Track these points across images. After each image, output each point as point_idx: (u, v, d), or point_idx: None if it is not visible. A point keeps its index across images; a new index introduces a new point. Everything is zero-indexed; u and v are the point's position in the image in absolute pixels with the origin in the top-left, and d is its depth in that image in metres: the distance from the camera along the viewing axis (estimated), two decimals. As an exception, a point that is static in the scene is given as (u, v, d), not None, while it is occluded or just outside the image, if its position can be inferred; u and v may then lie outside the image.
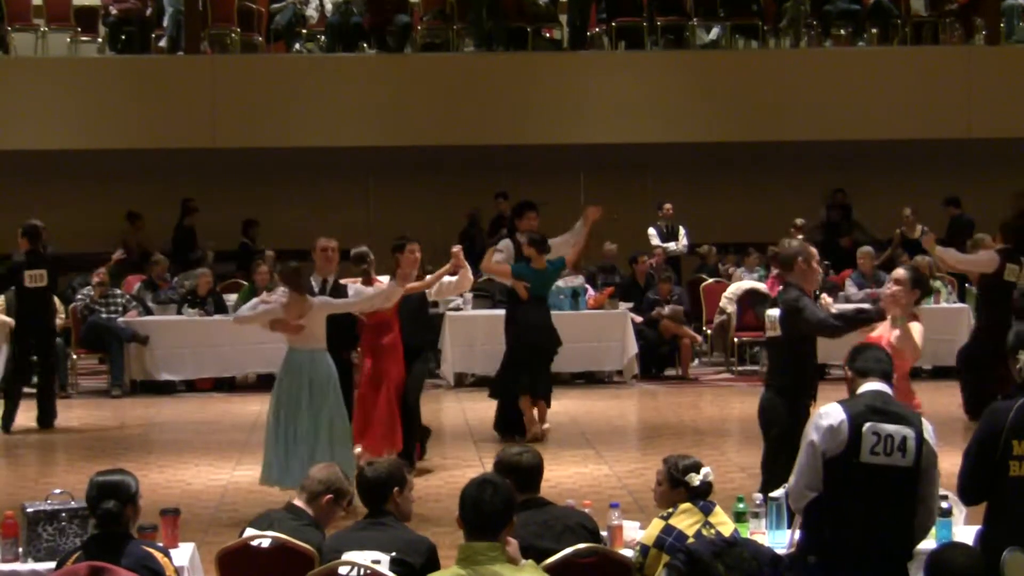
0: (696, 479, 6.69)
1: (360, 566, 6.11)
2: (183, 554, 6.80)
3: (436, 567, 6.14)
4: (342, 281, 11.62)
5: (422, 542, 6.33)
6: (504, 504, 5.46)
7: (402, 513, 6.49)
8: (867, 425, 5.96)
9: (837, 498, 5.94)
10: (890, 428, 5.98)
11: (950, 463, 6.51)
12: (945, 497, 6.85)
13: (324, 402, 10.47)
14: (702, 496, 6.68)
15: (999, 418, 6.09)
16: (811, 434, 6.02)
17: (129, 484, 6.12)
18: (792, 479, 6.09)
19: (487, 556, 5.39)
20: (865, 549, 5.91)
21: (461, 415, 15.18)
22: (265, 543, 6.53)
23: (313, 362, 10.60)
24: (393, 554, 6.19)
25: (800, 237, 18.74)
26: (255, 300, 11.06)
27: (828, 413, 6.02)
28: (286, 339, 10.77)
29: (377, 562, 6.15)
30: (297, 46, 21.24)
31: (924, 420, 6.07)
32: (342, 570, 6.13)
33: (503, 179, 21.37)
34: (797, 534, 6.74)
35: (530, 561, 5.60)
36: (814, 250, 9.06)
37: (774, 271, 16.99)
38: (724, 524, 6.62)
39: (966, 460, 6.19)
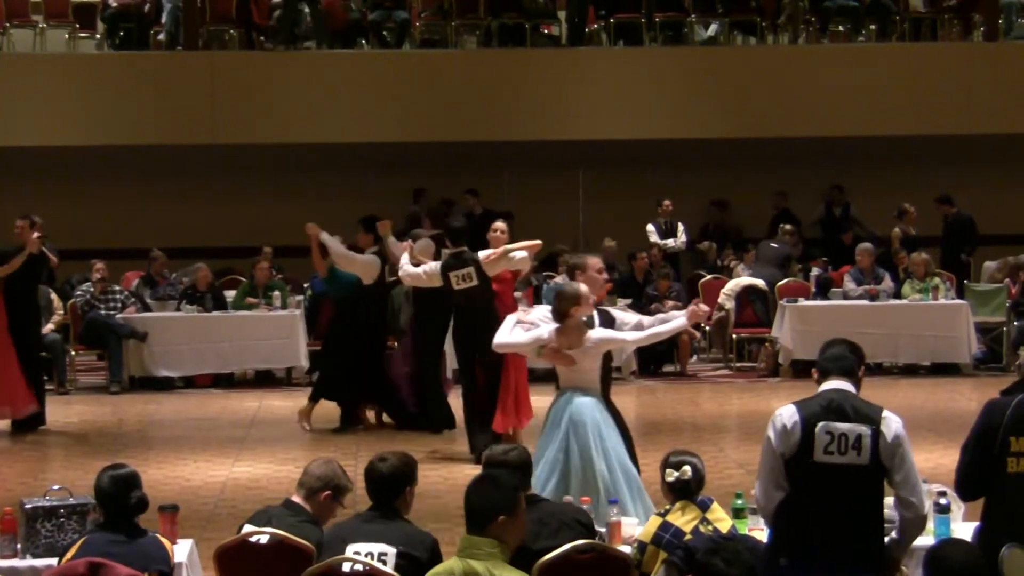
0: (672, 475, 6.69)
1: (362, 561, 6.12)
2: (182, 550, 6.80)
3: (439, 562, 6.16)
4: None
5: (427, 537, 6.35)
6: (504, 499, 5.48)
7: (407, 508, 6.51)
8: (820, 425, 5.90)
9: (801, 498, 5.92)
10: (844, 427, 5.90)
11: (951, 459, 6.51)
12: (944, 493, 6.85)
13: (598, 446, 8.35)
14: (684, 494, 6.67)
15: (997, 414, 6.07)
16: (768, 434, 5.99)
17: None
18: (759, 480, 6.07)
19: (485, 552, 5.41)
20: (833, 548, 5.89)
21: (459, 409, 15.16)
22: (263, 539, 6.53)
23: (574, 403, 8.42)
24: (400, 548, 6.20)
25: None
26: (511, 320, 8.90)
27: (782, 414, 5.98)
28: (559, 374, 8.69)
29: (384, 555, 6.17)
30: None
31: (888, 414, 5.96)
32: (345, 566, 6.14)
33: (502, 175, 21.39)
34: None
35: None
36: None
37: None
38: (722, 520, 6.63)
39: (963, 456, 6.18)
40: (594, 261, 9.15)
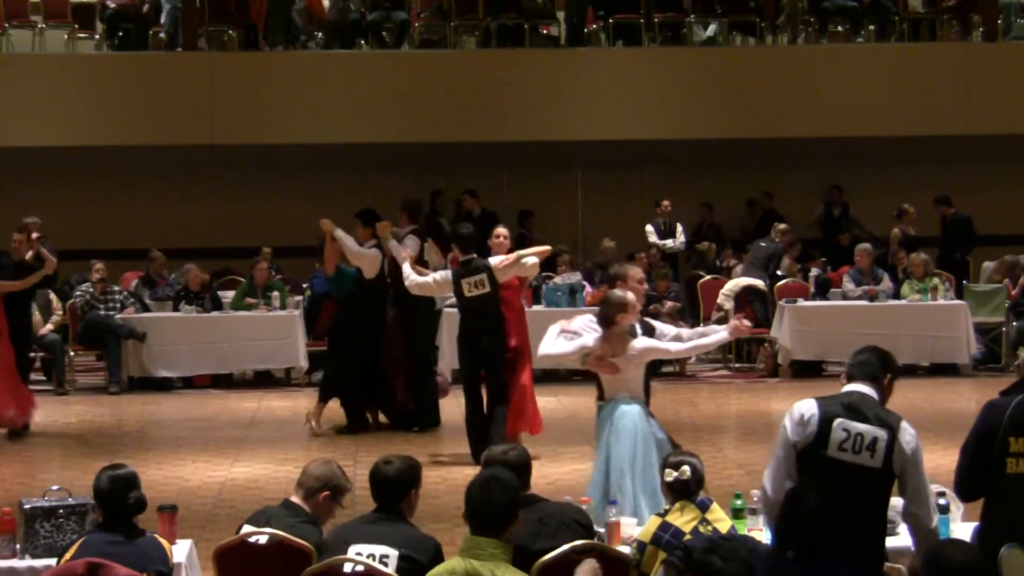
0: (671, 475, 6.69)
1: (361, 562, 6.12)
2: (181, 551, 6.79)
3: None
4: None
5: (429, 540, 6.35)
6: (509, 501, 5.49)
7: (412, 510, 6.51)
8: (837, 421, 5.96)
9: (809, 491, 5.96)
10: (861, 427, 5.96)
11: (950, 459, 6.51)
12: (943, 494, 6.85)
13: (634, 456, 8.38)
14: (683, 494, 6.66)
15: (996, 415, 6.08)
16: (784, 423, 6.05)
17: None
18: (768, 470, 6.10)
19: (488, 552, 5.41)
20: (834, 545, 5.91)
21: (459, 411, 15.14)
22: (262, 540, 6.53)
23: (618, 411, 8.47)
24: (402, 550, 6.21)
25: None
26: (555, 329, 8.90)
27: (800, 406, 6.04)
28: (604, 384, 8.69)
29: (386, 557, 6.17)
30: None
31: (906, 424, 6.02)
32: (346, 567, 6.14)
33: (501, 175, 21.39)
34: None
35: None
36: None
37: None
38: (721, 521, 6.63)
39: (963, 456, 6.18)
40: (635, 271, 9.19)
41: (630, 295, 8.60)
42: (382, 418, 14.28)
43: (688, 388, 16.98)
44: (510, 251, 12.48)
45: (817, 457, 5.94)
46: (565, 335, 8.73)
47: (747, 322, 8.91)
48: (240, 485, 11.56)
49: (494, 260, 12.17)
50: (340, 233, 13.70)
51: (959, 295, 18.00)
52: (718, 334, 8.87)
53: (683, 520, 6.56)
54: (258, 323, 16.96)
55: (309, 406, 14.11)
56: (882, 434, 5.95)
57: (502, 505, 5.47)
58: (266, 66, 20.51)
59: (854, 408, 6.00)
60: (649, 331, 8.78)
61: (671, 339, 8.84)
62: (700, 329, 9.25)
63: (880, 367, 6.20)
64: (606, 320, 8.46)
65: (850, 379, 6.19)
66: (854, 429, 5.95)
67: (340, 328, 14.18)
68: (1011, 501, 6.03)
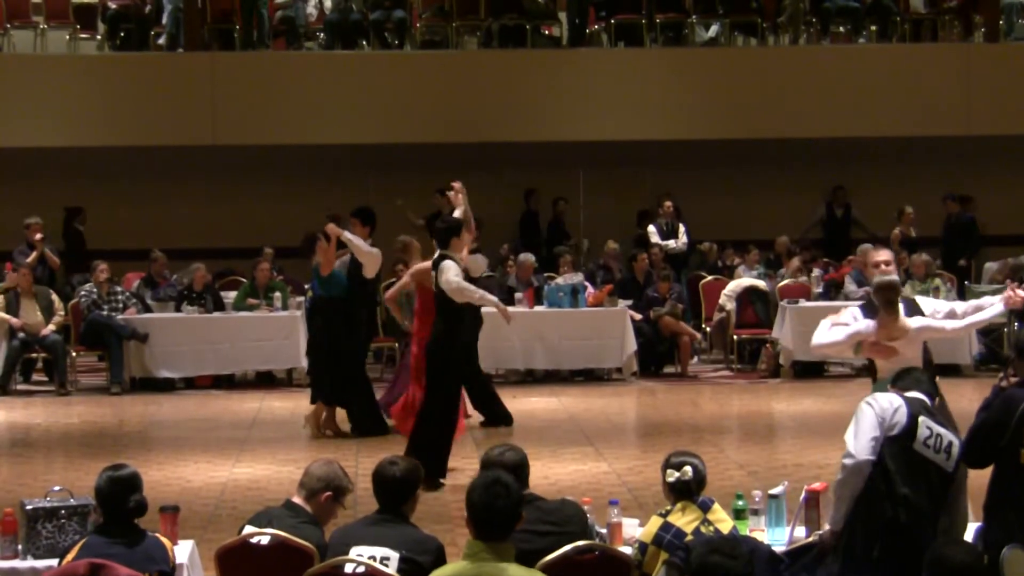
0: (672, 475, 6.69)
1: (362, 563, 6.12)
2: (182, 551, 6.80)
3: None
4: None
5: (431, 541, 6.33)
6: (514, 505, 5.47)
7: (413, 511, 6.51)
8: (922, 417, 6.28)
9: (895, 477, 6.21)
10: (940, 429, 6.29)
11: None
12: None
13: None
14: (684, 495, 6.66)
15: (1012, 406, 6.18)
16: (870, 405, 6.33)
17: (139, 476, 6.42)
18: (855, 439, 6.31)
19: (495, 555, 5.39)
20: (925, 533, 6.16)
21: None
22: (264, 540, 6.53)
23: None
24: (403, 552, 6.20)
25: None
26: (827, 322, 8.65)
27: (886, 395, 6.39)
28: (878, 367, 8.55)
29: (387, 559, 6.17)
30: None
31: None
32: (347, 567, 6.14)
33: (502, 176, 21.38)
34: (799, 530, 6.79)
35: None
36: None
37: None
38: (723, 521, 6.63)
39: (971, 439, 6.31)
40: (873, 254, 8.91)
41: (895, 277, 8.44)
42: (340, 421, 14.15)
43: (690, 388, 16.97)
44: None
45: (906, 448, 6.23)
46: (837, 327, 8.50)
47: (1021, 292, 8.59)
48: (242, 486, 11.56)
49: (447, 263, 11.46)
50: (348, 235, 13.63)
51: (961, 296, 17.98)
52: (993, 307, 8.59)
53: (685, 521, 6.56)
54: (260, 324, 16.96)
55: (310, 407, 14.07)
56: (955, 440, 6.29)
57: (507, 509, 5.44)
58: (268, 66, 20.53)
59: (929, 409, 6.34)
60: (914, 309, 8.54)
61: (945, 315, 8.63)
62: (974, 303, 8.84)
63: (932, 387, 6.64)
64: (887, 304, 8.26)
65: (905, 391, 6.49)
66: (935, 429, 6.27)
67: (331, 329, 14.00)
68: (1020, 495, 6.13)
